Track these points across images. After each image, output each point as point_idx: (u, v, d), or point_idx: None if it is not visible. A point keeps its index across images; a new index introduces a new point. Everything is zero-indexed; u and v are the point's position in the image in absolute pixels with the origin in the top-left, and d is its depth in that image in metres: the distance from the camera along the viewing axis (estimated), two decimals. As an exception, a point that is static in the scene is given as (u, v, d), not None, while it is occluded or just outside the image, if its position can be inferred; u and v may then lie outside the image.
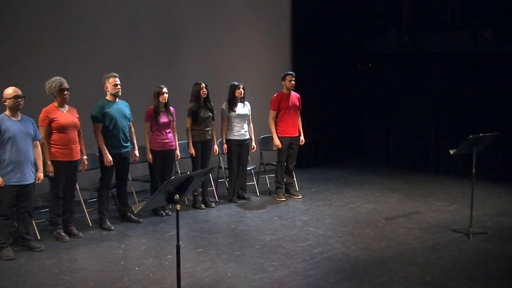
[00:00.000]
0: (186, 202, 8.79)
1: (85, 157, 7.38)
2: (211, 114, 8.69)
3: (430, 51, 11.39)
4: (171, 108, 8.33)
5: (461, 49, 10.85)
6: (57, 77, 6.95)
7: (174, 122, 8.38)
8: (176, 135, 8.45)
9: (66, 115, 6.99)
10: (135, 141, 7.95)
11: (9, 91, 6.45)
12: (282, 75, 9.15)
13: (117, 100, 7.65)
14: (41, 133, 6.81)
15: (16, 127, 6.44)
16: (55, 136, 6.90)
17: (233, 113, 8.88)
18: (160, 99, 8.09)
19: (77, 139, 7.13)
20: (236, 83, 8.92)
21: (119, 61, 9.30)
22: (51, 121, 6.86)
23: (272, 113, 9.13)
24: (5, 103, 6.47)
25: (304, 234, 7.43)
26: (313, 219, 8.14)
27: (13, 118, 6.48)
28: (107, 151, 7.48)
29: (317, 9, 12.04)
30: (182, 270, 4.76)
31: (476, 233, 7.23)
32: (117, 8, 9.44)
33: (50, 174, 6.90)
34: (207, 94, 8.60)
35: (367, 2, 12.48)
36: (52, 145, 6.91)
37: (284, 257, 6.57)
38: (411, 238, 7.24)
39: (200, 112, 8.55)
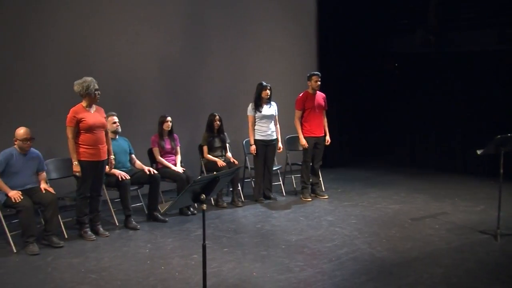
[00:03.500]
0: (212, 202, 8.84)
1: (112, 156, 7.47)
2: (220, 145, 9.00)
3: (456, 50, 11.28)
4: (175, 135, 8.68)
5: (487, 47, 10.74)
6: (88, 77, 7.01)
7: (178, 147, 8.70)
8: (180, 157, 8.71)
9: (94, 115, 7.05)
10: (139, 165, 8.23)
11: (21, 131, 6.74)
12: (308, 75, 9.13)
13: (117, 137, 7.99)
14: (68, 133, 6.90)
15: (20, 164, 6.78)
16: (83, 136, 6.96)
17: (259, 113, 8.89)
18: (164, 126, 8.49)
19: (105, 139, 7.20)
20: (264, 83, 8.90)
21: (130, 67, 9.43)
22: (79, 121, 6.92)
23: (298, 113, 9.11)
24: (15, 143, 6.77)
25: (330, 234, 7.41)
26: (339, 219, 8.12)
27: (21, 153, 6.81)
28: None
29: (342, 8, 12.01)
30: (208, 270, 4.76)
31: (504, 234, 7.13)
32: (141, 12, 9.52)
33: (78, 174, 6.99)
34: (221, 126, 8.91)
35: (393, 1, 12.41)
36: (80, 145, 6.97)
37: (310, 258, 6.56)
38: (437, 239, 7.19)
39: (214, 142, 8.92)
